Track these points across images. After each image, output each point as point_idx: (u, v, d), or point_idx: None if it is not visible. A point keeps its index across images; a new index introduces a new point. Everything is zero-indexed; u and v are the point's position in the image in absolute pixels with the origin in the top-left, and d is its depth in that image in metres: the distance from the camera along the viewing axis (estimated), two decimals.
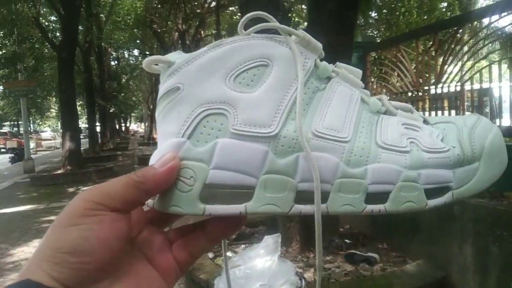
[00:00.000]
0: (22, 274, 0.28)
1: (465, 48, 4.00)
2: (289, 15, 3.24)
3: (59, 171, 10.04)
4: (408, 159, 0.34)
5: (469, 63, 4.02)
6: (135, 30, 14.47)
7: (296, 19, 10.62)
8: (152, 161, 0.33)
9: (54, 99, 23.32)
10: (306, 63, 0.35)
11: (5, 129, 29.32)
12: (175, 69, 0.33)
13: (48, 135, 29.89)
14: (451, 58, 4.04)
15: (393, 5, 8.59)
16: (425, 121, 0.40)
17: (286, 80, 0.34)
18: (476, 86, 3.84)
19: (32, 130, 30.06)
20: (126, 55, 23.42)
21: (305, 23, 11.22)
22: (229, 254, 3.22)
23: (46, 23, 13.99)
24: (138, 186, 0.31)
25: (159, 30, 11.23)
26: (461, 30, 3.92)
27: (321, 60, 0.37)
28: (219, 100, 0.33)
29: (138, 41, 16.85)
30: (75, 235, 0.29)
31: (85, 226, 0.29)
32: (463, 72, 3.96)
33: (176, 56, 0.34)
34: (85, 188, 8.66)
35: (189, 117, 0.33)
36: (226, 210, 0.32)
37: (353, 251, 3.00)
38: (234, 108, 0.33)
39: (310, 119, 0.34)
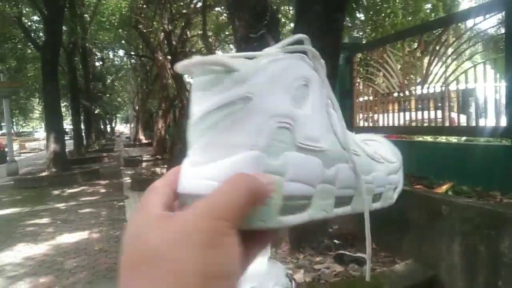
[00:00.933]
0: None
1: (450, 50, 4.05)
2: (277, 16, 3.23)
3: (43, 173, 9.88)
4: (386, 166, 0.47)
5: (453, 64, 4.07)
6: (120, 30, 14.29)
7: (283, 19, 10.64)
8: (225, 174, 0.31)
9: (37, 100, 22.96)
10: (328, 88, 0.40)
11: None
12: (244, 77, 0.32)
13: (42, 135, 29.35)
14: (436, 59, 4.09)
15: (378, 7, 8.66)
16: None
17: (321, 101, 0.38)
18: (461, 86, 3.89)
19: (14, 132, 29.46)
20: (111, 56, 23.14)
21: (292, 24, 11.25)
22: None
23: (29, 23, 13.76)
24: (254, 199, 0.29)
25: (144, 31, 11.12)
26: (446, 32, 3.97)
27: None
28: (285, 114, 0.34)
29: (123, 42, 16.66)
30: (223, 255, 0.26)
31: (229, 246, 0.26)
32: (448, 73, 4.01)
33: (236, 62, 0.32)
34: (70, 190, 8.55)
35: (262, 128, 0.32)
36: (294, 219, 0.34)
37: (343, 251, 3.01)
38: (295, 123, 0.34)
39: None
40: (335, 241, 3.29)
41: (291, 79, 0.35)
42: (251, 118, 0.32)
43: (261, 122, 0.32)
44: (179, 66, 0.33)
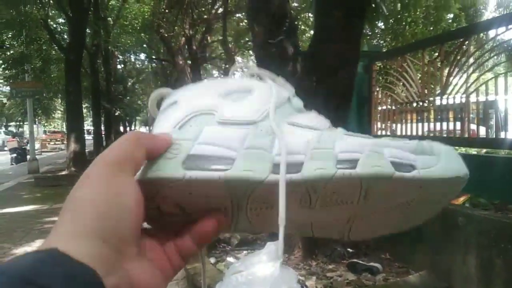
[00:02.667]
0: (48, 241, 0.26)
1: (471, 60, 3.99)
2: (296, 23, 3.26)
3: (63, 172, 10.07)
4: (373, 140, 0.39)
5: (474, 75, 4.02)
6: (142, 34, 14.54)
7: (303, 27, 10.66)
8: None
9: (60, 100, 23.43)
10: (280, 92, 0.43)
11: (7, 130, 29.47)
12: (174, 93, 0.43)
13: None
14: (456, 69, 4.04)
15: (399, 15, 8.60)
16: None
17: (264, 98, 0.41)
18: (482, 98, 3.83)
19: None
20: (133, 59, 23.53)
21: (311, 31, 11.26)
22: (231, 259, 3.22)
23: (54, 25, 14.09)
24: (143, 145, 0.33)
25: (166, 35, 11.28)
26: (467, 42, 3.93)
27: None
28: (208, 107, 0.39)
29: (144, 45, 16.93)
30: (115, 191, 0.30)
31: (122, 183, 0.30)
32: (469, 84, 3.95)
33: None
34: None
35: (182, 118, 0.39)
36: (205, 175, 0.34)
37: (356, 260, 2.99)
38: (221, 109, 0.39)
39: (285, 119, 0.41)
40: (348, 249, 3.27)
41: (230, 87, 0.43)
42: (175, 112, 0.40)
43: (182, 115, 0.39)
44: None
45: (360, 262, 2.94)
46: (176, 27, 11.83)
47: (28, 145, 13.84)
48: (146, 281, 0.32)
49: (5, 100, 27.42)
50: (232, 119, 0.38)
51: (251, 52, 15.42)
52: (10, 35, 12.26)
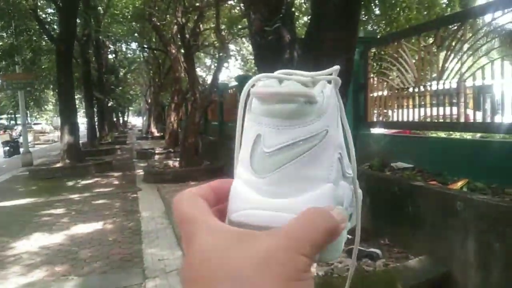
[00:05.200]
0: None
1: (466, 45, 3.99)
2: (292, 9, 3.23)
3: (57, 165, 10.02)
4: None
5: (470, 60, 4.02)
6: (133, 23, 14.36)
7: (296, 13, 10.58)
8: (307, 205, 0.31)
9: (51, 92, 23.20)
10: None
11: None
12: (324, 109, 0.32)
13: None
14: (452, 54, 4.04)
15: (393, 1, 8.54)
16: None
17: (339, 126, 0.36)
18: (478, 83, 3.84)
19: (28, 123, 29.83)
20: (124, 49, 23.25)
21: (305, 18, 11.17)
22: None
23: (44, 16, 13.87)
24: (330, 237, 0.29)
25: (158, 24, 11.14)
26: (463, 27, 3.92)
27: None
28: (341, 145, 0.35)
29: (136, 35, 16.73)
30: None
31: (307, 281, 0.27)
32: (464, 69, 3.96)
33: (315, 92, 0.32)
34: (84, 181, 8.65)
35: (333, 161, 0.33)
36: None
37: None
38: (343, 152, 0.35)
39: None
40: (348, 235, 3.29)
41: (335, 107, 0.34)
42: (327, 151, 0.32)
43: (332, 154, 0.33)
44: (258, 92, 0.32)
45: (360, 248, 2.96)
46: (168, 16, 11.68)
47: (21, 137, 13.71)
48: None
49: None
50: (348, 173, 0.37)
51: (244, 39, 15.29)
52: None
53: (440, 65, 4.22)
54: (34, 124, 31.37)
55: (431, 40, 4.68)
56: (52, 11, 14.13)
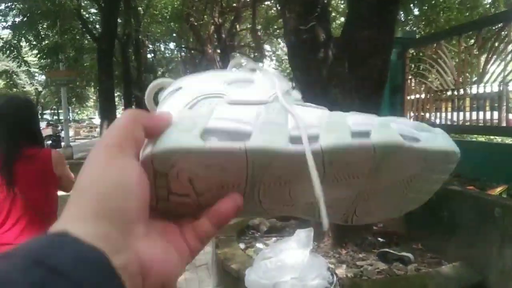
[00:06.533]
0: (56, 225, 0.27)
1: (510, 47, 3.84)
2: (328, 8, 3.21)
3: None
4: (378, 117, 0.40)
5: None
6: (172, 23, 14.65)
7: (333, 13, 10.48)
8: None
9: (92, 89, 23.99)
10: (281, 82, 0.44)
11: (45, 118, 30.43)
12: (176, 81, 0.43)
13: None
14: (494, 56, 3.90)
15: (433, 1, 8.33)
16: None
17: (268, 86, 0.42)
18: None
19: (71, 119, 31.00)
20: (162, 48, 23.78)
21: (342, 18, 11.05)
22: (260, 246, 3.24)
23: (87, 15, 14.37)
24: (142, 123, 0.33)
25: (195, 24, 11.33)
26: (506, 28, 3.77)
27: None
28: (216, 91, 0.40)
29: (174, 35, 17.06)
30: (116, 172, 0.30)
31: (123, 164, 0.31)
32: (507, 72, 3.80)
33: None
34: None
35: (190, 101, 0.39)
36: (226, 145, 0.34)
37: (387, 249, 2.95)
38: (229, 93, 0.40)
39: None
40: (379, 239, 3.24)
41: (233, 77, 0.44)
42: (181, 97, 0.40)
43: (189, 98, 0.39)
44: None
45: (391, 251, 2.91)
46: (205, 16, 11.86)
47: (63, 132, 14.25)
48: (160, 261, 0.32)
49: (40, 88, 28.31)
50: (244, 99, 0.39)
51: (279, 40, 15.30)
52: (45, 26, 12.57)
53: (481, 67, 4.07)
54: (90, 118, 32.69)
55: (472, 42, 4.53)
56: (94, 11, 14.64)
